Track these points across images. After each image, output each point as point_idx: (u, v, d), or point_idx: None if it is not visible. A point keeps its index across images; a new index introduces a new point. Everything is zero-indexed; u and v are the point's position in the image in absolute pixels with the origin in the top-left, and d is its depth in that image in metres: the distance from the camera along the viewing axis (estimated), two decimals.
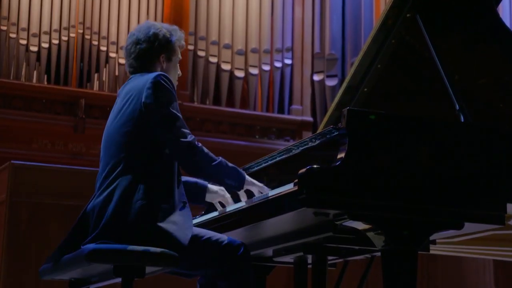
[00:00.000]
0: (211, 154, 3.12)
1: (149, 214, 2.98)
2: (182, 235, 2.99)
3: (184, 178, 3.38)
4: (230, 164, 3.17)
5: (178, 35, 3.35)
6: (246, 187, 3.20)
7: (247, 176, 3.20)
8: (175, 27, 3.39)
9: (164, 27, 3.33)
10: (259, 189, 3.21)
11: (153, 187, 3.04)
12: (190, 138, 3.08)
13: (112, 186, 3.05)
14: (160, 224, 2.98)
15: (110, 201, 3.02)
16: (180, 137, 3.06)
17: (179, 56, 3.37)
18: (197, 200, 3.50)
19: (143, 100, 3.09)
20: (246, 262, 3.10)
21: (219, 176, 3.15)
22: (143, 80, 3.14)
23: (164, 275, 3.32)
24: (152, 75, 3.13)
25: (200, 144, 3.11)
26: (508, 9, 9.42)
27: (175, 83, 3.32)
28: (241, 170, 3.21)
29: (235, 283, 3.06)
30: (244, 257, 3.09)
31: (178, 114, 3.11)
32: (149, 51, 3.26)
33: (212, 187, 3.50)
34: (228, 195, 3.48)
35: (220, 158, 3.14)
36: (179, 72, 3.39)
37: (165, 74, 3.16)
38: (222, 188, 3.46)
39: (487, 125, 3.00)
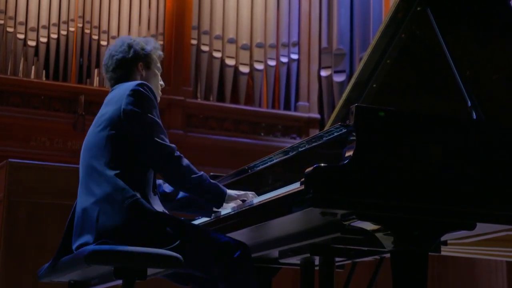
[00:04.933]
0: (192, 166, 3.13)
1: (139, 211, 2.98)
2: (176, 230, 3.01)
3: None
4: (212, 181, 3.18)
5: (153, 45, 3.41)
6: (227, 203, 3.19)
7: (228, 191, 3.19)
8: (150, 38, 3.48)
9: (138, 39, 3.41)
10: (244, 199, 3.20)
11: (134, 187, 3.03)
12: (172, 146, 3.11)
13: (97, 187, 3.06)
14: (151, 221, 3.00)
15: (98, 202, 3.02)
16: (162, 144, 3.09)
17: (159, 66, 3.42)
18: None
19: (123, 107, 3.12)
20: (246, 263, 3.06)
21: (199, 189, 3.15)
22: (124, 88, 3.18)
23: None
24: (133, 83, 3.19)
25: (180, 154, 3.12)
26: None
27: (158, 93, 3.38)
28: (222, 187, 3.21)
29: (234, 284, 3.01)
30: (243, 257, 3.05)
31: (159, 121, 3.15)
32: (125, 60, 3.32)
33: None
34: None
35: (202, 172, 3.15)
36: (162, 82, 3.44)
37: (146, 83, 3.21)
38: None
39: (499, 123, 2.99)
